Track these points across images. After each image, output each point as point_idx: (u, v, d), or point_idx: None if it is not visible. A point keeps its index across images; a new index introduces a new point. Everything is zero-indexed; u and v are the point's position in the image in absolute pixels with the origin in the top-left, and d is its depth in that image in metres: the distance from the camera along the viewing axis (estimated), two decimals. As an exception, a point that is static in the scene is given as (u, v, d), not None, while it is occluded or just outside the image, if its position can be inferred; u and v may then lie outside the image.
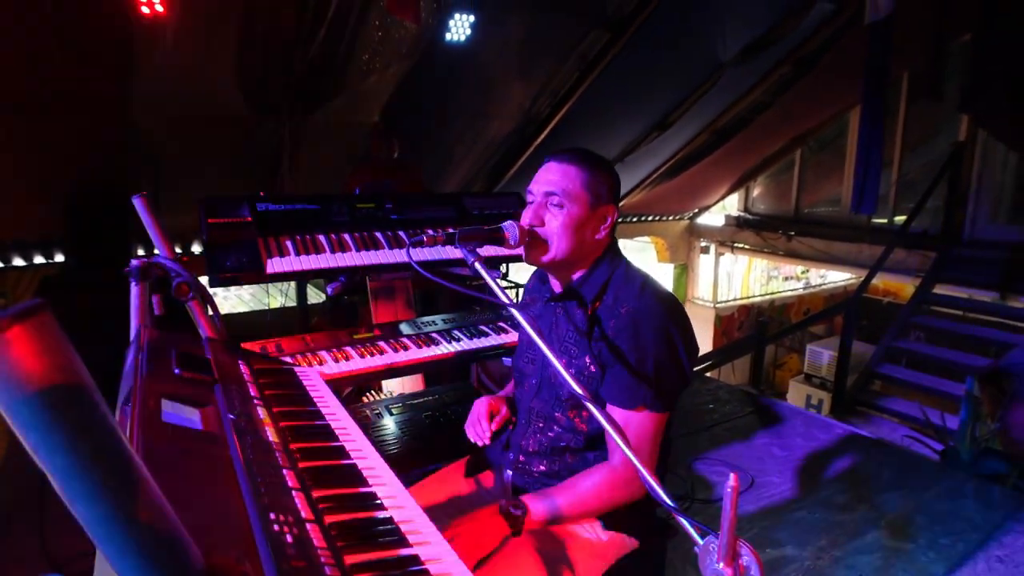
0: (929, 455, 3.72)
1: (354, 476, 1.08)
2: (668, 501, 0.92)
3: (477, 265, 1.22)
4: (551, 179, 1.36)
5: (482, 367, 2.83)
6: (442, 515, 1.52)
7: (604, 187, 1.37)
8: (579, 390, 1.02)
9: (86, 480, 0.47)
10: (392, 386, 2.30)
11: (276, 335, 1.95)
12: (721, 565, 0.83)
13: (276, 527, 0.80)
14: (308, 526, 0.85)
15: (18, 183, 3.89)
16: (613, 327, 1.33)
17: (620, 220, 1.43)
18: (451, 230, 1.27)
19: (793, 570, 2.36)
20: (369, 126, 4.52)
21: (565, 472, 1.42)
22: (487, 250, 1.56)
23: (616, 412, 1.32)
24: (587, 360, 1.37)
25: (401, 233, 2.15)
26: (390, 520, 0.96)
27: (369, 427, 1.93)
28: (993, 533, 2.63)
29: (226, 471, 0.91)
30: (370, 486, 1.05)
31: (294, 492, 0.92)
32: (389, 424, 1.97)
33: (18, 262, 4.38)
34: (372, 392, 2.25)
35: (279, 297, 4.76)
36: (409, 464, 1.81)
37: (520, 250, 1.40)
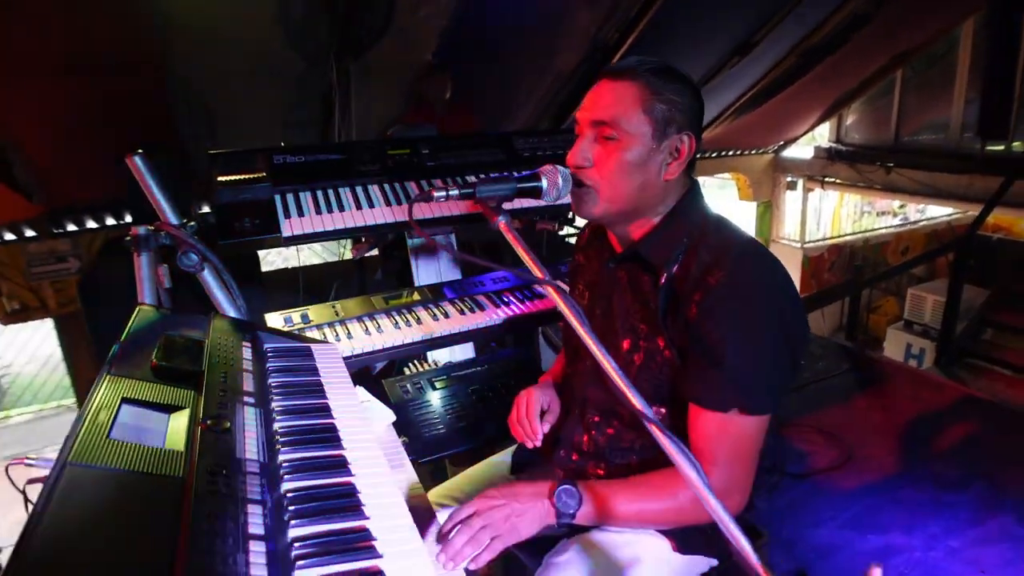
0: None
1: (352, 509, 0.85)
2: (756, 562, 0.65)
3: (503, 227, 0.94)
4: (600, 103, 1.04)
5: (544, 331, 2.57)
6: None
7: (675, 109, 1.03)
8: (638, 405, 0.74)
9: None
10: (439, 353, 2.09)
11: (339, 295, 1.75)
12: None
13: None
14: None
15: (82, 146, 3.86)
16: (699, 302, 1.00)
17: (698, 156, 1.09)
18: (473, 178, 0.99)
19: (901, 563, 2.04)
20: (423, 66, 4.22)
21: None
22: (527, 203, 1.27)
23: (703, 415, 1.01)
24: (660, 343, 1.06)
25: (437, 183, 1.88)
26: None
27: (407, 404, 1.72)
28: None
29: (170, 515, 0.70)
30: (374, 539, 0.80)
31: (252, 542, 0.70)
32: (432, 400, 1.76)
33: (91, 224, 4.44)
34: (416, 362, 2.04)
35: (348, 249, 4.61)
36: (450, 449, 1.61)
37: (567, 199, 1.10)
